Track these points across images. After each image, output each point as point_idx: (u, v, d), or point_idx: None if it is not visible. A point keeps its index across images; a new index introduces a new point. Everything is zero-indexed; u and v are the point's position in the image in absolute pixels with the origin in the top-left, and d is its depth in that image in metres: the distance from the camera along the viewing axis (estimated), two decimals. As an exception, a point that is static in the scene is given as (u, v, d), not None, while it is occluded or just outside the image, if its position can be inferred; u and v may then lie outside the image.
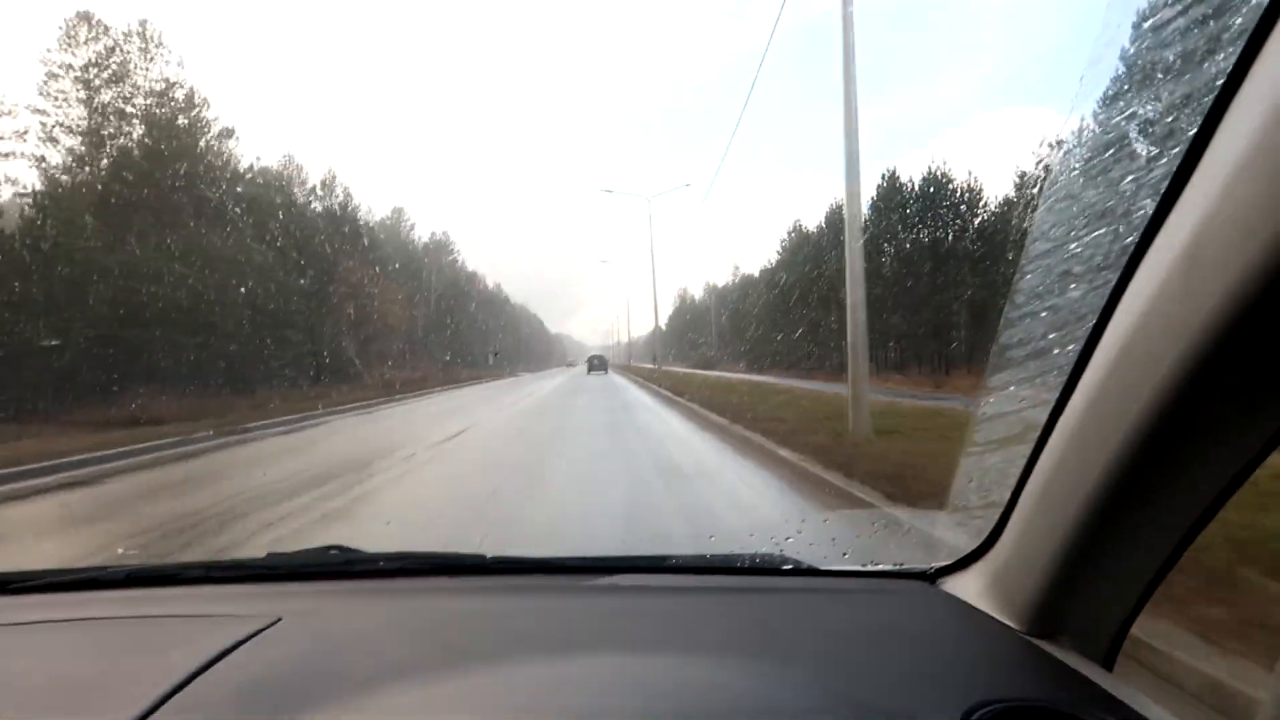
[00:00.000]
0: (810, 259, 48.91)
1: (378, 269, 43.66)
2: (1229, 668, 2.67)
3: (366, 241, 43.80)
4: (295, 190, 40.96)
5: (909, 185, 40.38)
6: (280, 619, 1.24)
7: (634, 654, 1.14)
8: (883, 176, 41.74)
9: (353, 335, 38.14)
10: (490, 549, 1.56)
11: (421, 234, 74.72)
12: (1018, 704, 0.94)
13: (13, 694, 1.01)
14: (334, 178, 46.27)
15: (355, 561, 1.57)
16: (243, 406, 20.52)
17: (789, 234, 60.03)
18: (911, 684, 1.01)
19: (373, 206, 74.38)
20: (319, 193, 43.76)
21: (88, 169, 27.19)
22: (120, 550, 5.24)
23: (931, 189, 38.94)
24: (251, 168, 36.06)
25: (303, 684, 1.01)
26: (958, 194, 38.40)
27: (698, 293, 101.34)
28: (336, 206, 43.63)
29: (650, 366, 57.08)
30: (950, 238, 37.46)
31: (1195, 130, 0.75)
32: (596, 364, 60.51)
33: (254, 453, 12.67)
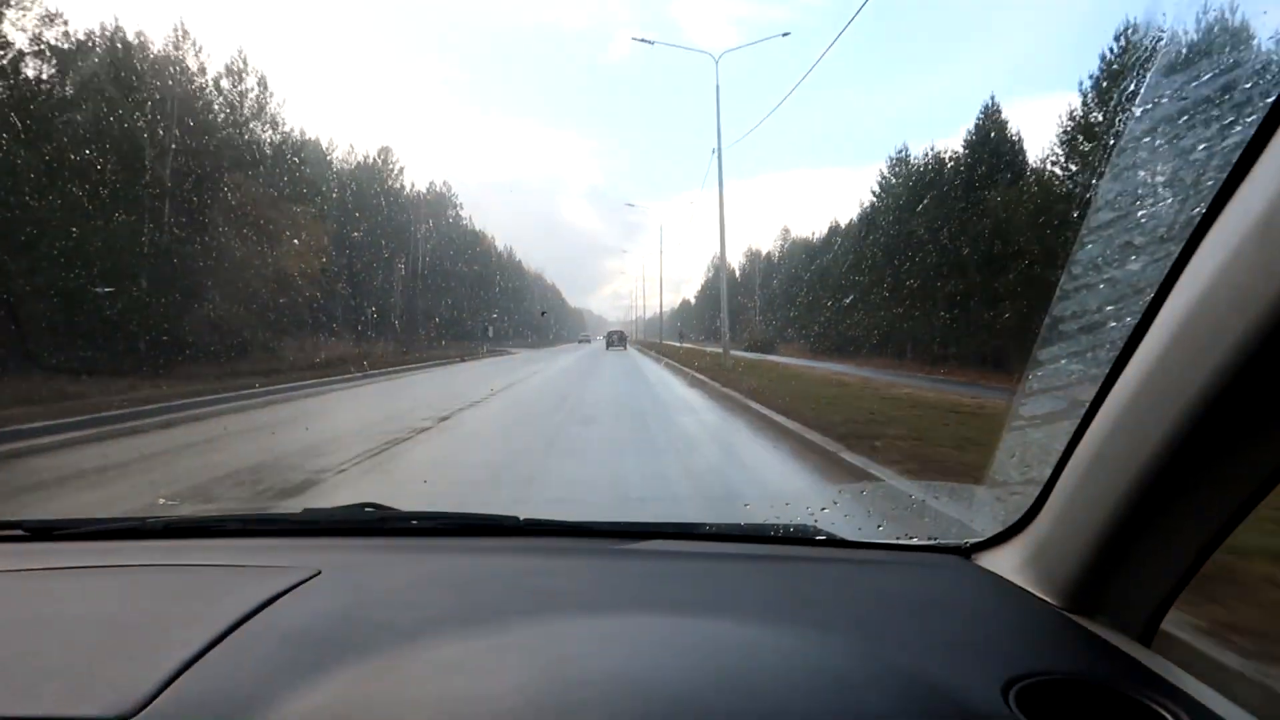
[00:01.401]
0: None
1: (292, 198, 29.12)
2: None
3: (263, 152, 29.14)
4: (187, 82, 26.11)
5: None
6: (320, 572, 1.26)
7: (669, 615, 1.15)
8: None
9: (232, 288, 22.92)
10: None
11: (415, 183, 59.52)
12: (1057, 677, 0.93)
13: (61, 634, 1.04)
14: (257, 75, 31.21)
15: (389, 519, 1.60)
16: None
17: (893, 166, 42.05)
18: (949, 655, 1.00)
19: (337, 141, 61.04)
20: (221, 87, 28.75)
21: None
22: (160, 500, 5.36)
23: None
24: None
25: (344, 634, 1.03)
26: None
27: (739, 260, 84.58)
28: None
29: (678, 345, 52.85)
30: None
31: (1274, 97, 0.71)
32: (615, 340, 56.57)
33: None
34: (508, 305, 67.64)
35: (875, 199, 42.55)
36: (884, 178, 41.39)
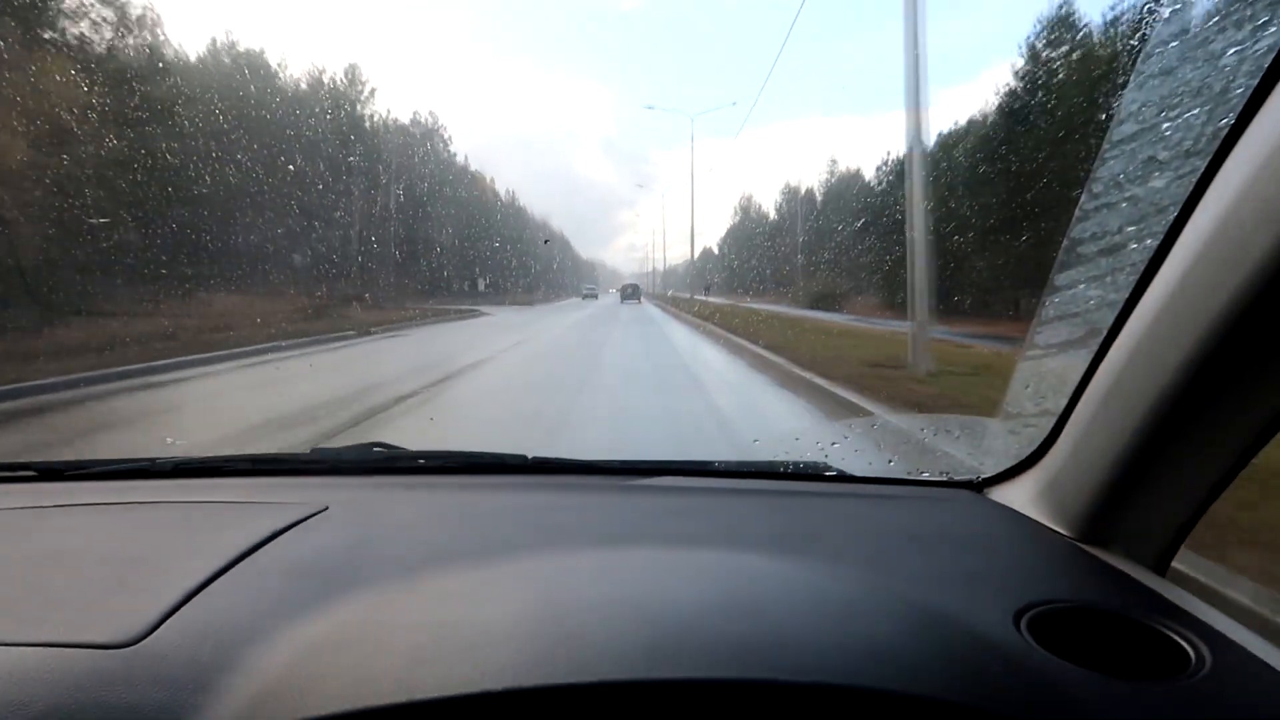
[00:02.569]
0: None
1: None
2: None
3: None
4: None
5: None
6: (327, 507, 1.27)
7: (683, 548, 1.14)
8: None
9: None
10: None
11: (392, 111, 52.14)
12: (1069, 605, 0.92)
13: (67, 567, 1.05)
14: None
15: (398, 458, 1.60)
16: None
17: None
18: (960, 585, 1.00)
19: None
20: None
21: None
22: (169, 440, 5.41)
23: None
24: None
25: (350, 567, 1.03)
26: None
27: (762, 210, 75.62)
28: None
29: (690, 298, 45.28)
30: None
31: None
32: (629, 293, 54.35)
33: None
34: (505, 256, 55.45)
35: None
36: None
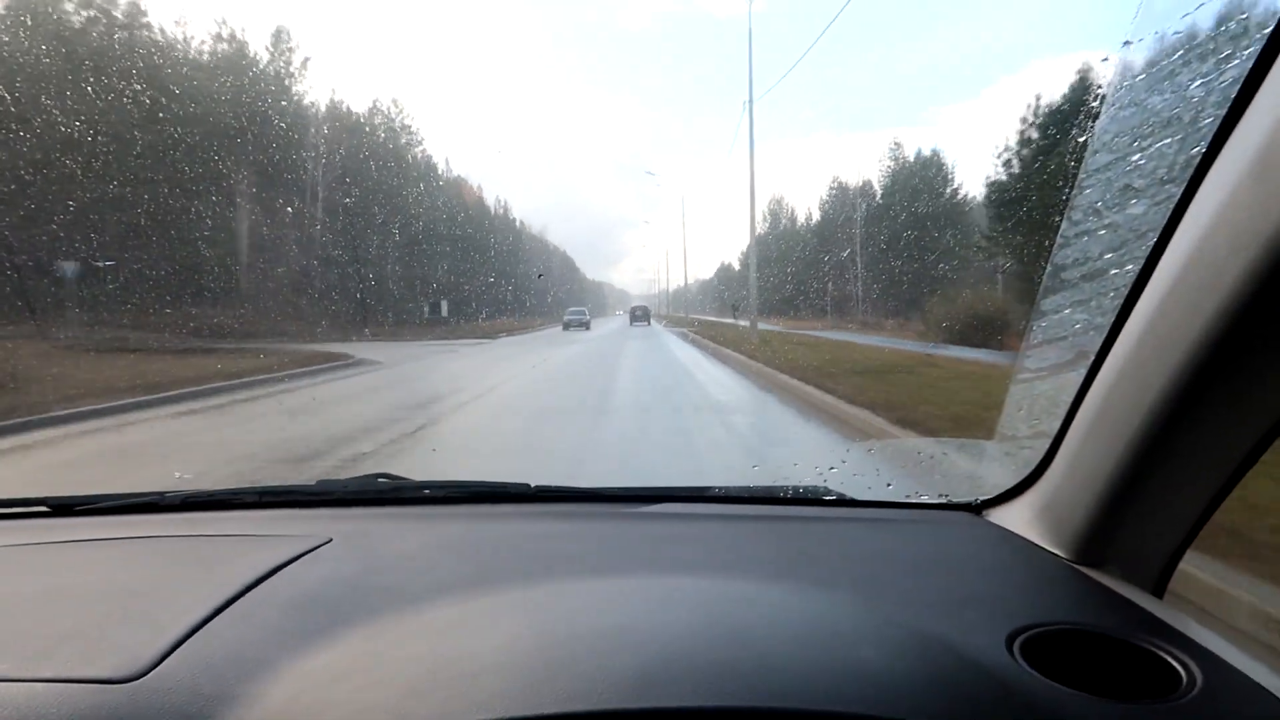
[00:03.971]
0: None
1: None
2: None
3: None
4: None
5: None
6: (331, 539, 1.28)
7: (678, 575, 1.15)
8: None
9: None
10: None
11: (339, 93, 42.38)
12: (1062, 627, 0.93)
13: (75, 602, 1.06)
14: None
15: (403, 489, 1.62)
16: None
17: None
18: (956, 609, 1.00)
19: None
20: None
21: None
22: (177, 475, 5.41)
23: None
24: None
25: (353, 598, 1.04)
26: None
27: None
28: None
29: (734, 323, 34.84)
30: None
31: (1271, 28, 0.68)
32: (639, 314, 50.96)
33: None
34: (486, 273, 44.82)
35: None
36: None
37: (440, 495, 1.58)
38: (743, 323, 30.74)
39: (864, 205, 47.04)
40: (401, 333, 30.59)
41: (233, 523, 1.49)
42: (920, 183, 43.20)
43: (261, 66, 32.23)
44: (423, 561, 1.21)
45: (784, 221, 63.73)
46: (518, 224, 61.73)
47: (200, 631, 0.94)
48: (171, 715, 0.78)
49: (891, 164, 47.49)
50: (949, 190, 42.10)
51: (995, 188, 28.51)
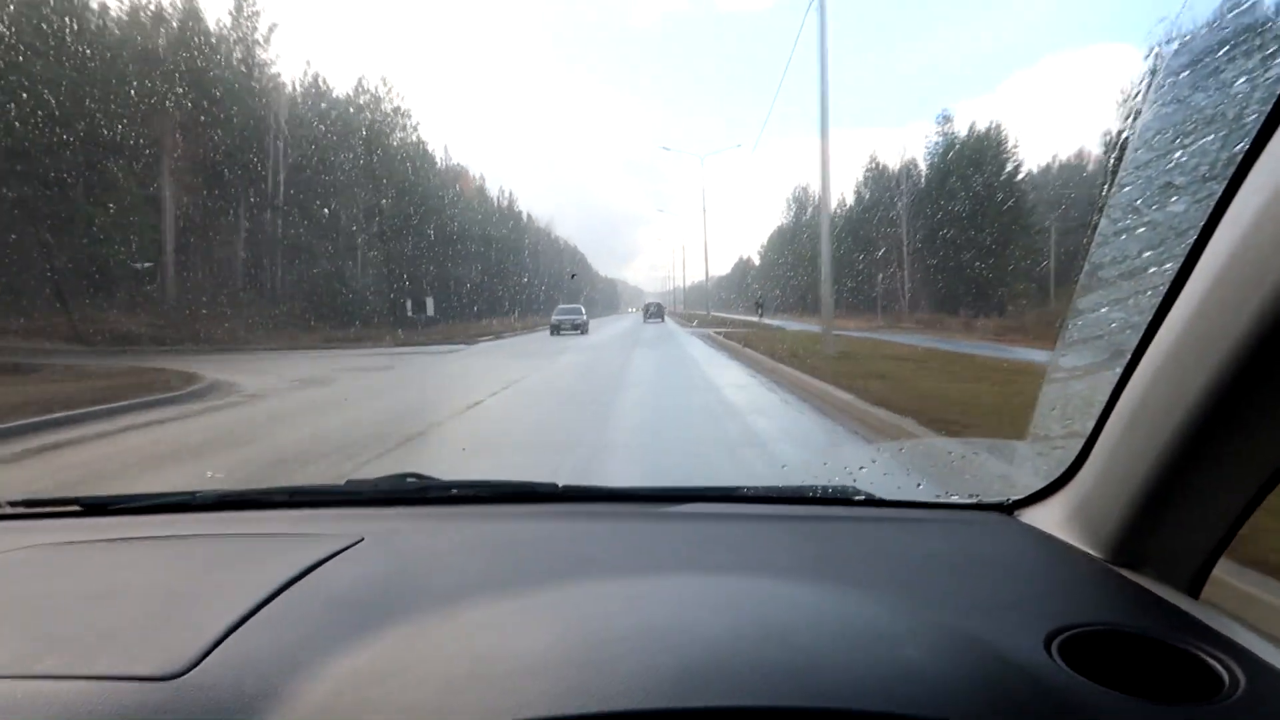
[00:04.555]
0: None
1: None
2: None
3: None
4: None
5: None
6: (363, 539, 1.30)
7: (709, 575, 1.15)
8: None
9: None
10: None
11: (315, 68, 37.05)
12: (1101, 628, 0.92)
13: (115, 601, 1.08)
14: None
15: (431, 488, 1.63)
16: None
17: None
18: (991, 610, 1.00)
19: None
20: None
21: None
22: (209, 474, 5.47)
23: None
24: None
25: (387, 598, 1.05)
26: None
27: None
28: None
29: (760, 320, 32.92)
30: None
31: None
32: (653, 310, 50.61)
33: None
34: (467, 267, 38.82)
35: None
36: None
37: (468, 495, 1.59)
38: (774, 322, 27.63)
39: (908, 185, 40.54)
40: (368, 335, 25.57)
41: (264, 522, 1.51)
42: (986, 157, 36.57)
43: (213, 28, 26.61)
44: (454, 561, 1.22)
45: (809, 210, 56.64)
46: (526, 218, 56.70)
47: (240, 630, 0.95)
48: (215, 712, 0.79)
49: (939, 139, 41.28)
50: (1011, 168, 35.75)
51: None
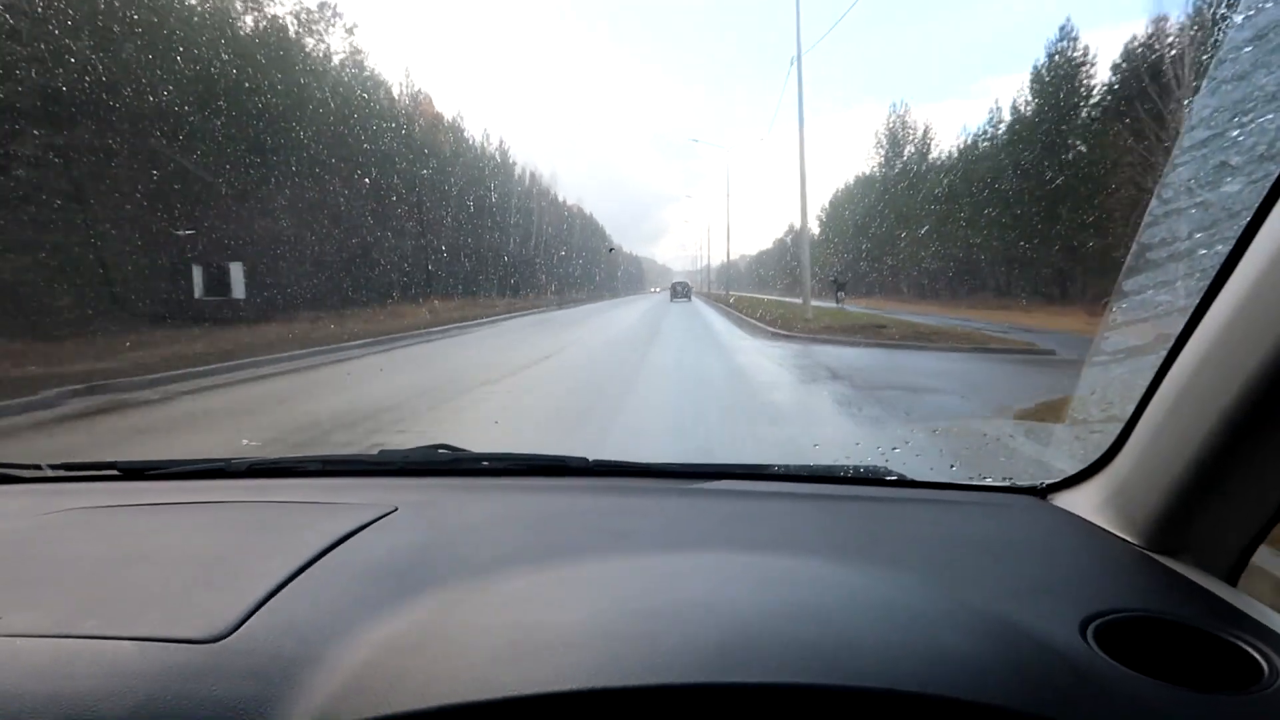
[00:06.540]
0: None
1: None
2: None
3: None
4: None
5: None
6: (397, 509, 1.32)
7: (743, 552, 1.16)
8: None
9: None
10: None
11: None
12: (1137, 614, 0.91)
13: (156, 564, 1.10)
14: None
15: (462, 459, 1.65)
16: None
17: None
18: (1025, 593, 0.99)
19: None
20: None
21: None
22: (245, 442, 5.57)
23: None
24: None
25: (422, 568, 1.07)
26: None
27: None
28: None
29: (839, 306, 25.57)
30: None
31: None
32: (680, 290, 50.41)
33: None
34: (495, 249, 34.64)
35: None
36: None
37: (500, 467, 1.60)
38: (852, 308, 21.11)
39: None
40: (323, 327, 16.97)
41: (298, 490, 1.53)
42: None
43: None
44: (488, 532, 1.23)
45: (908, 150, 45.58)
46: (553, 195, 51.05)
47: (278, 595, 0.97)
48: (255, 675, 0.80)
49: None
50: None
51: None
